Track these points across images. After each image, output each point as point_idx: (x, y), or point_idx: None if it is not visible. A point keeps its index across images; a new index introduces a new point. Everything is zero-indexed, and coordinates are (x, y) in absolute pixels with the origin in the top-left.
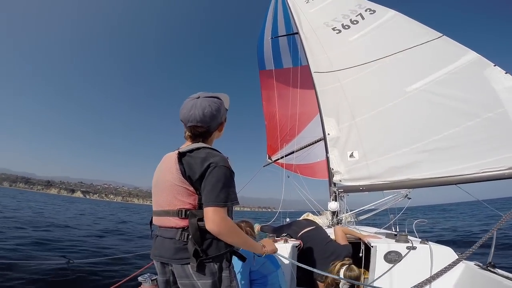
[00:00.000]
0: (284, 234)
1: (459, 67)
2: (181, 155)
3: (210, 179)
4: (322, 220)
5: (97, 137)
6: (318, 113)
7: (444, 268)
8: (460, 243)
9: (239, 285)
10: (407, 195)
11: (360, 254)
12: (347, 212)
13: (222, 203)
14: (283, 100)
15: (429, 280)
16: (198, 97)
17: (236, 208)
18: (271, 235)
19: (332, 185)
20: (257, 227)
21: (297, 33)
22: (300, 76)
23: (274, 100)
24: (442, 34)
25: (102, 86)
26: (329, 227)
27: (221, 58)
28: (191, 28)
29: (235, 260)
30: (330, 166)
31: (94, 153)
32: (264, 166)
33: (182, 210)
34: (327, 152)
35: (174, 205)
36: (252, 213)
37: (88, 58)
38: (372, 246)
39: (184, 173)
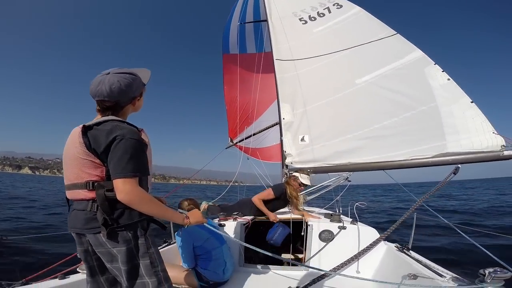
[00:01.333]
0: (235, 213)
1: (404, 64)
2: (86, 129)
3: (116, 151)
4: None
5: (45, 107)
6: (276, 99)
7: (367, 247)
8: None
9: (185, 256)
10: (347, 177)
11: (302, 233)
12: None
13: (131, 174)
14: (245, 84)
15: (354, 258)
16: (108, 73)
17: (202, 182)
18: (220, 213)
19: (284, 167)
20: (204, 205)
21: (265, 20)
22: (262, 62)
23: (236, 84)
24: (396, 32)
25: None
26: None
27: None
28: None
29: (178, 236)
30: (283, 149)
31: (43, 125)
32: (226, 148)
33: (89, 182)
34: (281, 135)
35: (82, 178)
36: (219, 188)
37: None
38: (308, 225)
39: (88, 146)
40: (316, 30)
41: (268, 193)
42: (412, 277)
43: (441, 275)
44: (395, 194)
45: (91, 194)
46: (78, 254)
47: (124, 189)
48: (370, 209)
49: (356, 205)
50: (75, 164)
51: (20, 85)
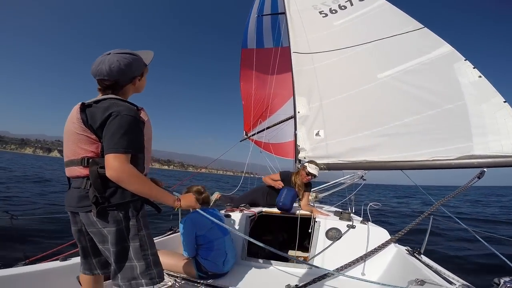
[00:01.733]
0: (243, 205)
1: (432, 59)
2: (85, 106)
3: (110, 127)
4: None
5: (76, 88)
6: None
7: (374, 248)
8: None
9: (186, 244)
10: (362, 176)
11: (310, 230)
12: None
13: (123, 150)
14: (261, 80)
15: (360, 259)
16: (109, 54)
17: (219, 172)
18: (227, 204)
19: (297, 161)
20: (216, 195)
21: (283, 13)
22: (279, 57)
23: (252, 79)
24: (423, 26)
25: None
26: None
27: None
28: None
29: (182, 223)
30: (297, 143)
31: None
32: (240, 141)
33: (85, 159)
34: (295, 129)
35: (78, 154)
36: (234, 178)
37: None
38: (316, 221)
39: (85, 122)
40: (337, 23)
41: (275, 175)
42: (419, 282)
43: (450, 282)
44: (419, 196)
45: (85, 171)
46: (73, 233)
47: (113, 165)
48: (385, 210)
49: (370, 205)
50: (72, 140)
51: (52, 68)
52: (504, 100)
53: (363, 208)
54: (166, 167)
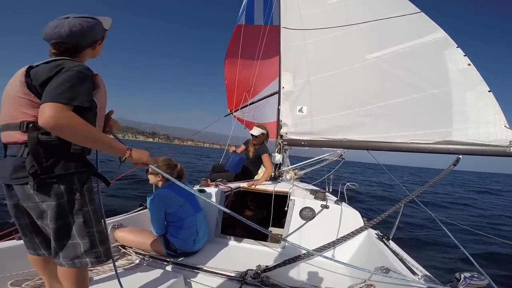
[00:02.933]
0: (219, 180)
1: (424, 43)
2: (32, 69)
3: (55, 80)
4: None
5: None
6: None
7: (350, 233)
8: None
9: (155, 222)
10: (341, 155)
11: (286, 208)
12: (288, 166)
13: (65, 100)
14: (247, 59)
15: (332, 244)
16: (68, 17)
17: (206, 145)
18: (202, 178)
19: (279, 136)
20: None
21: None
22: (267, 36)
23: (238, 58)
24: (420, 11)
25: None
26: (270, 179)
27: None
28: None
29: (150, 201)
30: (279, 118)
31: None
32: (225, 116)
33: (24, 123)
34: (279, 104)
35: (17, 118)
36: (220, 151)
37: None
38: (290, 200)
39: (29, 85)
40: (331, 2)
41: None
42: (384, 270)
43: (414, 272)
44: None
45: (24, 137)
46: (8, 208)
47: (50, 112)
48: (362, 191)
49: (347, 185)
50: (12, 104)
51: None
52: (489, 90)
53: (340, 187)
54: (151, 139)
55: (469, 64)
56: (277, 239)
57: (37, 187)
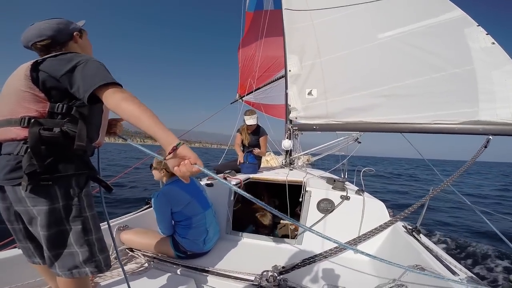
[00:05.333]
0: (227, 171)
1: (440, 22)
2: (38, 64)
3: (86, 69)
4: (280, 160)
5: None
6: None
7: (378, 227)
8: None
9: (161, 222)
10: (357, 138)
11: (300, 199)
12: (300, 153)
13: (116, 82)
14: (261, 43)
15: (360, 238)
16: (33, 23)
17: (213, 146)
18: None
19: (288, 122)
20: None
21: None
22: (278, 19)
23: (251, 41)
24: None
25: None
26: (282, 167)
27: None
28: None
29: (154, 198)
30: (288, 103)
31: None
32: (231, 103)
33: (25, 118)
34: (286, 88)
35: (17, 113)
36: (230, 151)
37: None
38: (307, 191)
39: (35, 80)
40: None
41: (238, 136)
42: (419, 269)
43: (453, 272)
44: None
45: (23, 133)
46: (1, 212)
47: (122, 90)
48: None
49: (364, 170)
50: (13, 99)
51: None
52: None
53: (356, 174)
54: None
55: (493, 43)
56: (293, 234)
57: (30, 189)
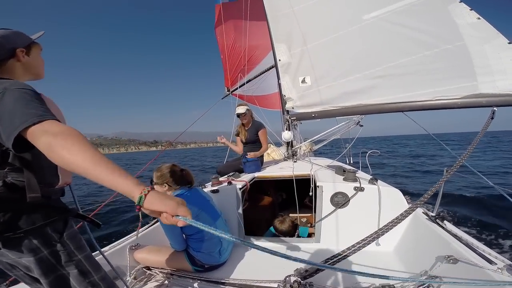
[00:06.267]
0: (231, 174)
1: (422, 0)
2: None
3: (2, 107)
4: (282, 151)
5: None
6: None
7: (399, 216)
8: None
9: (172, 238)
10: (359, 122)
11: (310, 193)
12: (301, 142)
13: (46, 116)
14: (238, 32)
15: (382, 230)
16: None
17: (209, 145)
18: (213, 176)
19: (285, 113)
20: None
21: None
22: (257, 7)
23: (230, 32)
24: None
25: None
26: (285, 159)
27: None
28: None
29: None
30: (282, 93)
31: None
32: (222, 98)
33: None
34: (278, 78)
35: None
36: (225, 149)
37: None
38: (318, 186)
39: None
40: None
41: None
42: (451, 261)
43: (490, 261)
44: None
45: None
46: None
47: (49, 128)
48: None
49: (369, 153)
50: None
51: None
52: (509, 42)
53: (360, 158)
54: (154, 148)
55: (479, 18)
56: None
57: (3, 245)
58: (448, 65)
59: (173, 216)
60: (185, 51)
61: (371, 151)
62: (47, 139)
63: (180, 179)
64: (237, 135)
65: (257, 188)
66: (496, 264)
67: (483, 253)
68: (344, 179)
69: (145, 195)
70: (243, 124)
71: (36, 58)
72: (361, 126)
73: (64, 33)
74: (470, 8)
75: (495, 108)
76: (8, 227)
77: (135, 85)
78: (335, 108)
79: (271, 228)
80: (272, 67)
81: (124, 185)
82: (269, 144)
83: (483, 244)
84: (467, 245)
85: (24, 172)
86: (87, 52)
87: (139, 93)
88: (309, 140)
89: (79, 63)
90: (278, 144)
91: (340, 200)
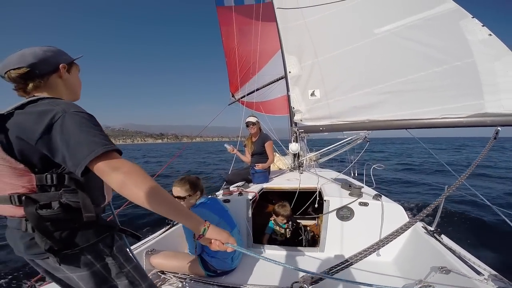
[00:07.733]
0: (241, 184)
1: (435, 15)
2: (3, 119)
3: (65, 130)
4: (287, 161)
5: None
6: (279, 50)
7: (399, 229)
8: None
9: (191, 243)
10: (366, 137)
11: (316, 205)
12: (308, 153)
13: (109, 147)
14: (244, 36)
15: (383, 242)
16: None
17: (215, 139)
18: (225, 186)
19: (293, 125)
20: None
21: None
22: (262, 12)
23: (234, 36)
24: None
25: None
26: (290, 170)
27: None
28: None
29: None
30: (291, 105)
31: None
32: (229, 105)
33: (14, 196)
34: (288, 90)
35: (3, 190)
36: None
37: None
38: (325, 200)
39: (7, 147)
40: None
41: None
42: (444, 271)
43: (478, 272)
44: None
45: (20, 211)
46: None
47: (118, 165)
48: (387, 174)
49: (374, 167)
50: None
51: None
52: None
53: (365, 170)
54: (160, 140)
55: (490, 34)
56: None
57: (61, 261)
58: (456, 83)
59: (223, 243)
60: (197, 43)
61: (376, 165)
62: (119, 176)
63: (198, 188)
64: (245, 146)
65: (263, 196)
66: (483, 275)
67: (473, 264)
68: (349, 194)
69: (208, 227)
70: (250, 136)
71: (75, 77)
72: (368, 141)
73: (73, 22)
74: (482, 24)
75: (499, 128)
76: (66, 245)
77: (145, 78)
78: (344, 122)
79: (271, 224)
80: (282, 78)
81: (194, 222)
82: (274, 153)
83: (474, 256)
84: (460, 257)
85: (78, 193)
86: (97, 43)
87: (147, 85)
88: (316, 153)
89: (91, 53)
90: (282, 153)
91: (345, 214)
